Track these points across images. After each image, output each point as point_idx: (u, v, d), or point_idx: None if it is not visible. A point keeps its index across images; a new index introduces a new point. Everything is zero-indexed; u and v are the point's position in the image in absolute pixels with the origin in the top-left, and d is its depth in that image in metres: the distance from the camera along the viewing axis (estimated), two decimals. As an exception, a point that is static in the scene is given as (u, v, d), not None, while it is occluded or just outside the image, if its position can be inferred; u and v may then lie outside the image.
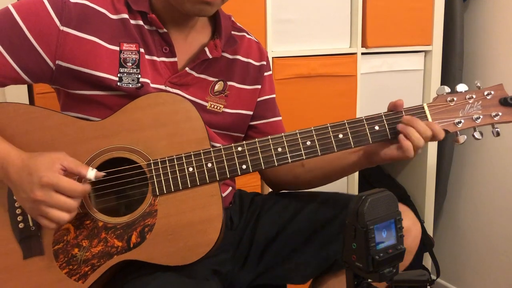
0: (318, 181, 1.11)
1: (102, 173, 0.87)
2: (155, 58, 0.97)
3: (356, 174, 1.75)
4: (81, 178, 0.86)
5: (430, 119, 0.95)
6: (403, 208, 0.82)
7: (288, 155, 0.92)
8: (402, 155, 0.93)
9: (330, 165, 1.06)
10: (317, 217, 1.06)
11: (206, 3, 0.90)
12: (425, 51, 1.82)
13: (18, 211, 0.89)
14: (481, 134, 0.96)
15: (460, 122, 0.95)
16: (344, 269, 0.76)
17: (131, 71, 0.93)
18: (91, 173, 0.85)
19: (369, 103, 1.72)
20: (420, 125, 0.91)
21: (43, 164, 0.82)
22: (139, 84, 0.93)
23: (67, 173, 0.84)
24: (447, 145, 1.90)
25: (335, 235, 1.03)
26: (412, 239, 1.02)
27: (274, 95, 1.16)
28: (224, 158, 0.90)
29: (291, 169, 1.10)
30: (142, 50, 0.95)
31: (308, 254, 1.05)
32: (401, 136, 0.92)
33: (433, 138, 0.93)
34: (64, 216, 0.83)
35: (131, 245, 0.87)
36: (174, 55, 0.98)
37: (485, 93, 0.96)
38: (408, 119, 0.93)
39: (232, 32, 1.05)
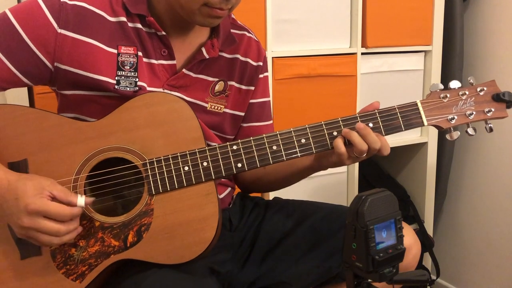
0: (278, 183, 1.12)
1: (91, 199, 0.86)
2: (153, 61, 0.96)
3: (356, 174, 1.74)
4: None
5: (423, 116, 0.94)
6: (404, 226, 0.82)
7: (283, 153, 0.92)
8: (337, 159, 0.93)
9: (289, 167, 1.06)
10: (322, 228, 1.06)
11: (216, 17, 0.91)
12: (425, 51, 1.82)
13: (15, 211, 0.88)
14: (475, 130, 0.96)
15: (453, 119, 0.95)
16: (345, 281, 0.75)
17: (128, 75, 0.93)
18: (81, 201, 0.84)
19: (369, 103, 1.71)
20: (364, 129, 0.91)
21: (30, 190, 0.80)
22: (137, 88, 0.93)
23: (56, 200, 0.82)
24: (447, 145, 1.90)
25: (339, 248, 1.02)
26: (412, 257, 1.04)
27: (266, 99, 1.13)
28: (219, 157, 0.90)
29: (254, 171, 1.09)
30: (140, 53, 0.94)
31: (311, 264, 1.04)
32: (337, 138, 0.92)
33: (379, 151, 0.92)
34: (54, 240, 0.82)
35: (128, 245, 0.87)
36: (172, 58, 0.97)
37: (478, 89, 0.96)
38: (357, 124, 0.92)
39: (232, 31, 1.04)
